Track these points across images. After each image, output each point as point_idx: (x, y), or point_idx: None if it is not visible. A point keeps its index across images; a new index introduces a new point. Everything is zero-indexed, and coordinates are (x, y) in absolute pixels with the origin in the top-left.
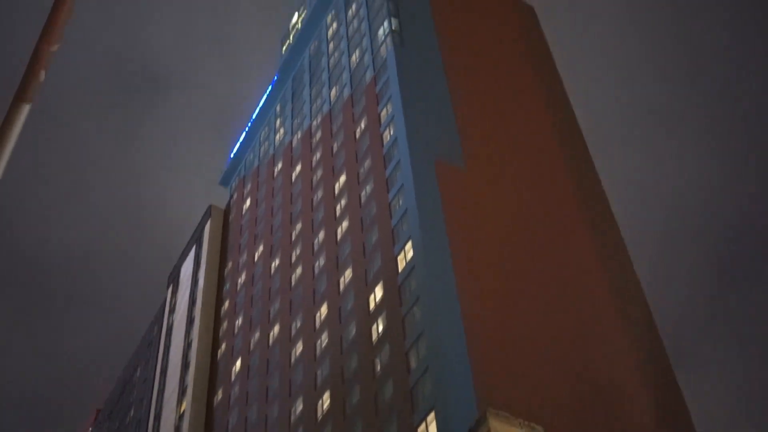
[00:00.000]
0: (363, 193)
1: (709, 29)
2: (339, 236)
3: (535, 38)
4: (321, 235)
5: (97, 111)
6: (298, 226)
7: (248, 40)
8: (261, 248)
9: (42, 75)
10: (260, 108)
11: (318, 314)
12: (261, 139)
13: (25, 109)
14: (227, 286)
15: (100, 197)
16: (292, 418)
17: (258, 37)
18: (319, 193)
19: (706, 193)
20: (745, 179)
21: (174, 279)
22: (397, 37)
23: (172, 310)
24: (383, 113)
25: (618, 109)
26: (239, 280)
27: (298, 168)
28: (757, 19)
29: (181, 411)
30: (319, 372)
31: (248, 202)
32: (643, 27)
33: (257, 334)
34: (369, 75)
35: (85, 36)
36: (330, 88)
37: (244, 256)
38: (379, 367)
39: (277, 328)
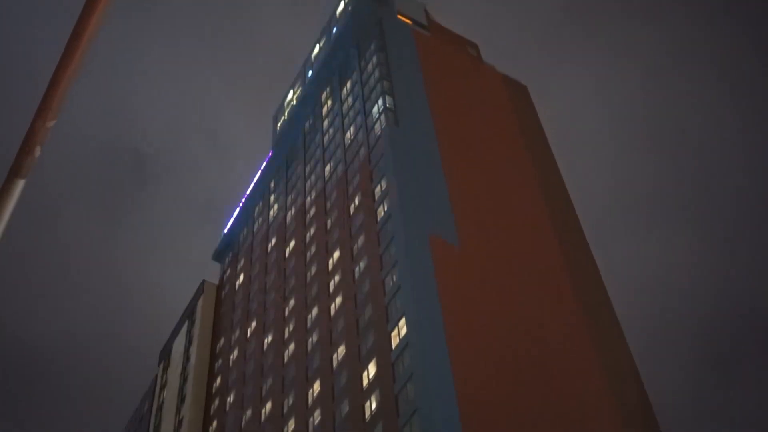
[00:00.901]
0: (357, 270)
1: (688, 122)
2: (332, 313)
3: (528, 117)
4: (314, 311)
5: (88, 193)
6: (292, 303)
7: (237, 122)
8: (254, 324)
9: (38, 151)
10: (254, 184)
11: (311, 391)
12: (255, 214)
13: (20, 185)
14: (219, 362)
15: (92, 276)
16: None
17: (247, 119)
18: (313, 270)
19: (692, 275)
20: (727, 262)
21: (166, 355)
22: (392, 114)
23: (163, 387)
24: (377, 190)
25: (608, 191)
26: (231, 357)
27: (292, 244)
28: (733, 114)
29: None
30: None
31: (241, 277)
32: (629, 118)
33: (249, 412)
34: (363, 152)
35: (75, 122)
36: (324, 165)
37: (237, 333)
38: None
39: (269, 406)
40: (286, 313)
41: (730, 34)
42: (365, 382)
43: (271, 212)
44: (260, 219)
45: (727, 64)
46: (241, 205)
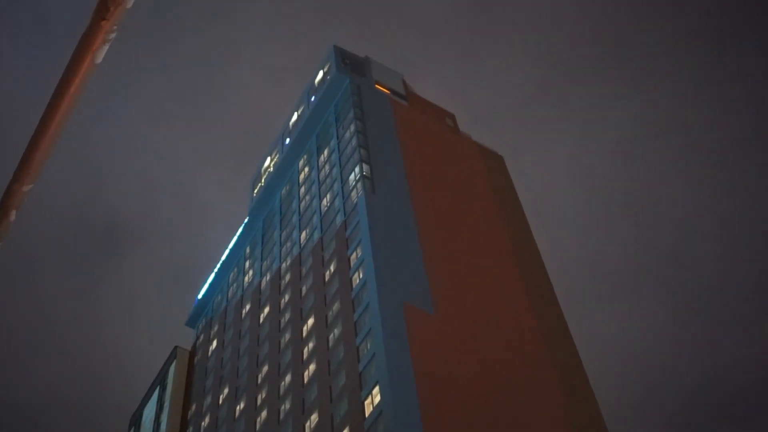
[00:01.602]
0: (331, 336)
1: (660, 194)
2: (306, 379)
3: (504, 187)
4: (287, 378)
5: (60, 260)
6: (265, 369)
7: (211, 189)
8: (226, 391)
9: (13, 215)
10: (230, 249)
11: None
12: (230, 280)
13: None
14: (190, 429)
15: (64, 341)
16: None
17: (221, 185)
18: (287, 336)
19: (662, 344)
20: (697, 333)
21: (136, 421)
22: (368, 182)
23: None
24: (353, 257)
25: (583, 261)
26: (203, 424)
27: (267, 310)
28: (704, 186)
29: None
30: None
31: (215, 343)
32: (602, 189)
33: None
34: (339, 219)
35: (47, 188)
36: (300, 231)
37: (209, 399)
38: None
39: None
40: (259, 380)
41: (702, 105)
42: None
43: (246, 278)
44: (235, 285)
45: (698, 135)
46: (215, 270)
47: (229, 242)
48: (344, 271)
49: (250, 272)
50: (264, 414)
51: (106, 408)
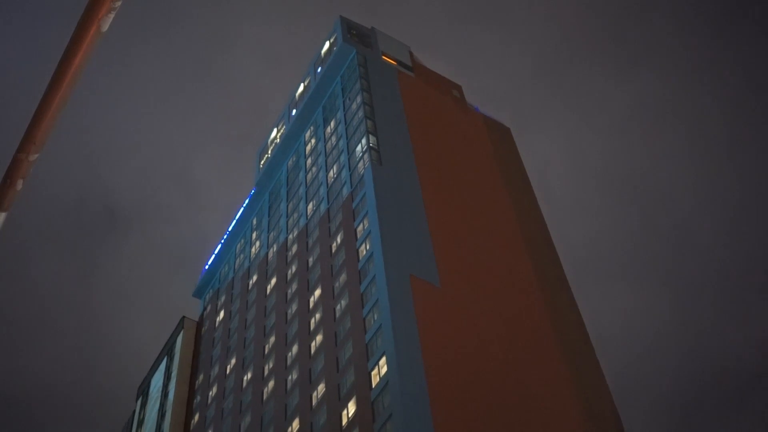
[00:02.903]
0: (338, 308)
1: (659, 179)
2: (312, 350)
3: (510, 159)
4: (294, 349)
5: (61, 241)
6: (272, 340)
7: (209, 171)
8: (233, 361)
9: (20, 184)
10: (237, 220)
11: (289, 430)
12: (236, 251)
13: (2, 218)
14: (198, 399)
15: (68, 318)
16: None
17: (220, 168)
18: (294, 307)
19: (660, 326)
20: (692, 313)
21: (144, 391)
22: (375, 154)
23: (141, 423)
24: (359, 229)
25: (587, 238)
26: (210, 394)
27: (273, 281)
28: (704, 171)
29: None
30: None
31: (222, 314)
32: (604, 170)
33: None
34: (346, 191)
35: (47, 173)
36: (307, 203)
37: (216, 369)
38: None
39: None
40: (266, 350)
41: (699, 90)
42: (344, 421)
43: (253, 249)
44: (242, 256)
45: (695, 120)
46: (222, 241)
47: (233, 217)
48: (351, 242)
49: (257, 243)
50: (271, 384)
51: (114, 379)
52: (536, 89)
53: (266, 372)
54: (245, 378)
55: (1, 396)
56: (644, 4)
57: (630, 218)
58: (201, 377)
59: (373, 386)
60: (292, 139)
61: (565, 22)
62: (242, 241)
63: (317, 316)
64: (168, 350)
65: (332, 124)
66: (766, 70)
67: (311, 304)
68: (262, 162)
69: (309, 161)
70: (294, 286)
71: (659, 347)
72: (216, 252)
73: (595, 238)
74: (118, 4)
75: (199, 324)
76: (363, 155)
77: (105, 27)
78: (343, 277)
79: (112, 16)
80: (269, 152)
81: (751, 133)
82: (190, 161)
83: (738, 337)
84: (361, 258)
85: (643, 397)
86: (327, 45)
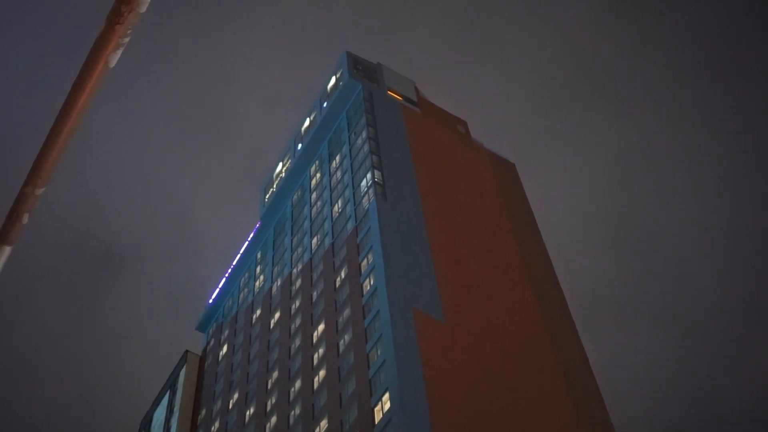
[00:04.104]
0: (341, 342)
1: (657, 220)
2: (315, 386)
3: (515, 195)
4: (297, 384)
5: (62, 279)
6: (275, 375)
7: (208, 213)
8: (236, 396)
9: (26, 218)
10: (241, 254)
11: None
12: (240, 285)
13: (7, 252)
14: None
15: (67, 357)
16: None
17: (218, 210)
18: (297, 341)
19: (655, 367)
20: (688, 353)
21: (146, 425)
22: (380, 189)
23: None
24: (363, 263)
25: (578, 285)
26: (213, 429)
27: (277, 315)
28: (702, 213)
29: None
30: None
31: (225, 348)
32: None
33: None
34: (351, 225)
35: (47, 214)
36: (311, 237)
37: (219, 404)
38: None
39: None
40: (269, 385)
41: (700, 129)
42: None
43: (257, 283)
44: (246, 289)
45: (696, 158)
46: (226, 275)
47: (234, 254)
48: (355, 277)
49: (261, 277)
50: (274, 419)
51: (117, 413)
52: (536, 128)
53: (269, 407)
54: (248, 413)
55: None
56: (643, 45)
57: (627, 257)
58: (203, 412)
59: (376, 422)
60: (298, 173)
61: (565, 63)
62: (246, 274)
63: (320, 350)
64: (171, 384)
65: (337, 158)
66: (767, 111)
67: (315, 339)
68: (267, 196)
69: (314, 195)
70: (298, 321)
71: (650, 387)
72: (220, 285)
73: (591, 276)
74: (126, 40)
75: (202, 358)
76: (368, 190)
77: (113, 63)
78: (347, 312)
79: (120, 52)
80: (274, 186)
81: (751, 175)
82: (190, 201)
83: (732, 378)
84: (365, 293)
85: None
86: (333, 80)
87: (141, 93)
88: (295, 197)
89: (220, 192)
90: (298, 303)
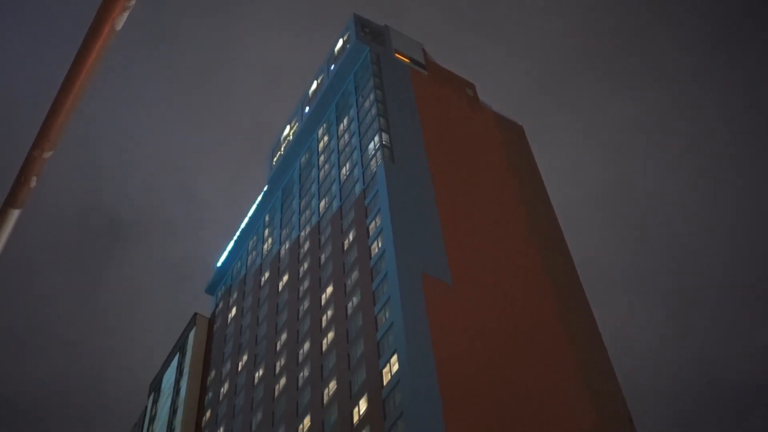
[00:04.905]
0: (349, 305)
1: (658, 192)
2: (324, 348)
3: (523, 156)
4: (306, 346)
5: (67, 251)
6: (283, 337)
7: (212, 186)
8: (245, 358)
9: (33, 181)
10: (249, 217)
11: (301, 427)
12: (249, 248)
13: (15, 215)
14: (209, 395)
15: (77, 321)
16: None
17: (223, 183)
18: (305, 304)
19: (658, 341)
20: (690, 328)
21: (156, 387)
22: (387, 152)
23: (152, 419)
24: (372, 226)
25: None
26: (222, 390)
27: (285, 278)
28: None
29: None
30: None
31: (234, 311)
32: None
33: None
34: (359, 188)
35: (51, 187)
36: (319, 200)
37: (228, 366)
38: None
39: None
40: (278, 347)
41: (700, 104)
42: (355, 419)
43: (265, 246)
44: (254, 252)
45: (696, 134)
46: (235, 238)
47: (242, 221)
48: (363, 240)
49: (269, 240)
50: (283, 381)
51: (126, 377)
52: (544, 94)
53: (278, 369)
54: (257, 375)
55: (14, 402)
56: (647, 20)
57: (630, 232)
58: (213, 374)
59: (385, 384)
60: (305, 136)
61: (569, 36)
62: (254, 237)
63: (329, 313)
64: (180, 347)
65: (345, 121)
66: None
67: (323, 302)
68: (274, 159)
69: (322, 158)
70: (306, 283)
71: (657, 361)
72: (228, 249)
73: (594, 252)
74: (132, 3)
75: (211, 321)
76: (376, 153)
77: (119, 26)
78: (355, 275)
79: (126, 15)
80: (282, 149)
81: (753, 149)
82: (195, 173)
83: (736, 349)
84: (373, 255)
85: (637, 410)
86: (340, 43)
87: (144, 65)
88: (302, 160)
89: (224, 164)
90: (306, 266)
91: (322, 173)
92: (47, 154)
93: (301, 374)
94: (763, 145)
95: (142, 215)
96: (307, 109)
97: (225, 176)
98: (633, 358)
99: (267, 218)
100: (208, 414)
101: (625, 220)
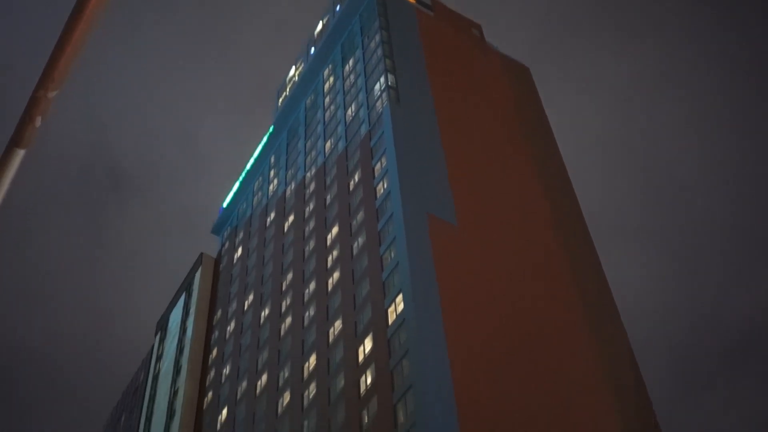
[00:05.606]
0: (355, 246)
1: (656, 153)
2: (329, 288)
3: (529, 99)
4: (311, 286)
5: (69, 200)
6: (289, 277)
7: (214, 137)
8: (251, 298)
9: (38, 121)
10: (254, 158)
11: (306, 365)
12: (255, 189)
13: (20, 155)
14: (216, 335)
15: (82, 271)
16: None
17: (224, 134)
18: (311, 244)
19: (662, 294)
20: (694, 281)
21: (163, 326)
22: (393, 93)
23: (159, 358)
24: (377, 167)
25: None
26: (228, 329)
27: (291, 219)
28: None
29: None
30: (305, 423)
31: (239, 251)
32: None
33: (244, 384)
34: (364, 129)
35: (52, 137)
36: (325, 141)
37: (234, 306)
38: (366, 420)
39: (264, 378)
40: (284, 287)
41: (693, 58)
42: (361, 357)
43: (271, 186)
44: (260, 193)
45: (694, 88)
46: (240, 179)
47: (254, 151)
48: (368, 180)
49: (275, 181)
50: (289, 320)
51: (134, 312)
52: (539, 53)
53: (284, 308)
54: (263, 314)
55: (25, 349)
56: None
57: (630, 189)
58: (219, 313)
59: (390, 323)
60: (311, 77)
61: None
62: (260, 178)
63: (334, 253)
64: (186, 286)
65: (351, 62)
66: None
67: (329, 242)
68: (280, 100)
69: (327, 99)
70: (312, 224)
71: (660, 314)
72: (234, 189)
73: (596, 205)
74: None
75: (218, 261)
76: (381, 94)
77: None
78: (360, 215)
79: None
80: (287, 90)
81: (752, 100)
82: (197, 123)
83: (742, 298)
84: (378, 196)
85: (649, 360)
86: None
87: (147, 13)
88: (308, 101)
89: (227, 110)
90: (311, 206)
91: (327, 114)
92: (52, 94)
93: (307, 314)
94: (762, 96)
95: (145, 163)
96: (313, 50)
97: (228, 122)
98: (636, 314)
99: (272, 159)
100: (214, 352)
101: (625, 175)
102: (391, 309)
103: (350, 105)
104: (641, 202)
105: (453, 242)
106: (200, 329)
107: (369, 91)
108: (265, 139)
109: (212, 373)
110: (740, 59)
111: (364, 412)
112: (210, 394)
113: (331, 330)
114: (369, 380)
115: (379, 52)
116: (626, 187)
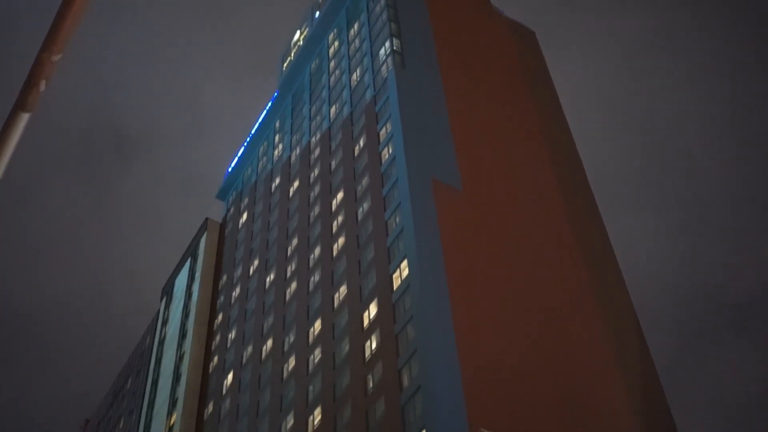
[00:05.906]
0: (360, 211)
1: (662, 113)
2: (334, 253)
3: (535, 63)
4: (317, 251)
5: (74, 162)
6: (294, 242)
7: (217, 99)
8: (256, 263)
9: (42, 85)
10: (259, 123)
11: (311, 330)
12: (259, 154)
13: (24, 118)
14: (221, 299)
15: (86, 236)
16: None
17: (228, 97)
18: (316, 210)
19: (667, 256)
20: (699, 244)
21: (168, 291)
22: (398, 57)
23: (165, 322)
24: (382, 132)
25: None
26: (233, 294)
27: (296, 184)
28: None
29: (171, 424)
30: (310, 388)
31: (245, 216)
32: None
33: (250, 349)
34: (369, 94)
35: (55, 102)
36: (330, 106)
37: (239, 270)
38: (371, 385)
39: (270, 343)
40: (289, 252)
41: (706, 22)
42: (366, 322)
43: (276, 151)
44: (264, 158)
45: (702, 48)
46: (245, 144)
47: (259, 116)
48: (373, 146)
49: (280, 146)
50: (294, 285)
51: (140, 276)
52: (552, 8)
53: (289, 273)
54: (268, 279)
55: (34, 313)
56: None
57: (635, 148)
58: (224, 278)
59: (395, 289)
60: (315, 41)
61: None
62: (265, 143)
63: (339, 218)
64: (192, 251)
65: (356, 26)
66: None
67: (334, 207)
68: (284, 65)
69: (332, 64)
70: (317, 189)
71: (664, 277)
72: (239, 154)
73: (600, 168)
74: None
75: (223, 226)
76: (386, 58)
77: None
78: (365, 181)
79: None
80: (292, 55)
81: (757, 62)
82: (200, 86)
83: (748, 261)
84: (383, 161)
85: (651, 324)
86: None
87: None
88: (313, 66)
89: (231, 74)
90: (316, 171)
91: (332, 79)
92: (56, 57)
93: (312, 279)
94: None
95: (149, 127)
96: (318, 14)
97: (232, 86)
98: (639, 278)
99: (277, 124)
100: (219, 317)
101: (630, 134)
102: (396, 274)
103: (355, 70)
104: (644, 167)
105: (458, 207)
106: (206, 294)
107: (374, 55)
108: (269, 104)
109: (218, 338)
110: (747, 22)
111: (369, 377)
112: (215, 358)
113: (336, 295)
114: (374, 345)
115: (384, 16)
116: (630, 148)
